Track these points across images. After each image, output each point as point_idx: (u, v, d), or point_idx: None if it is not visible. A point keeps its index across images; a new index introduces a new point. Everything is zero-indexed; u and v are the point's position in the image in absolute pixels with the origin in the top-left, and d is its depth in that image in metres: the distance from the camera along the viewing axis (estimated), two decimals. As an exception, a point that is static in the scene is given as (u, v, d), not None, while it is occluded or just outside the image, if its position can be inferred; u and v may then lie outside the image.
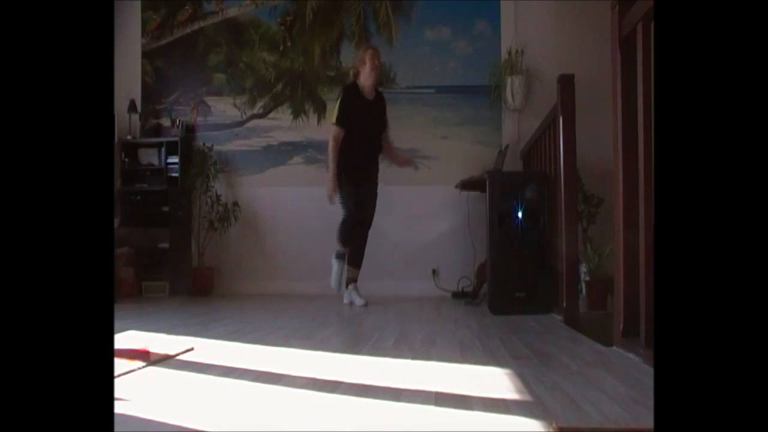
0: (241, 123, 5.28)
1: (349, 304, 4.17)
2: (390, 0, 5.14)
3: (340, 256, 4.21)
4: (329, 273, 4.22)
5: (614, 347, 2.35)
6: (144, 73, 5.36)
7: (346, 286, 4.22)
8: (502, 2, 5.04)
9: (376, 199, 4.27)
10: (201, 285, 4.94)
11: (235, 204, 5.04)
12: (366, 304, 4.08)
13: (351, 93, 4.17)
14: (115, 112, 4.98)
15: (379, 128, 4.26)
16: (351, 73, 4.32)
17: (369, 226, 4.25)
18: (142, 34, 5.37)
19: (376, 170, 4.30)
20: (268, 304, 4.28)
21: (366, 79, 4.15)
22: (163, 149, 5.07)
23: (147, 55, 5.37)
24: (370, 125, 4.18)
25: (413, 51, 5.13)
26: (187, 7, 5.34)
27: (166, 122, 5.27)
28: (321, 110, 5.20)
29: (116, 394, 1.61)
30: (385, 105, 4.32)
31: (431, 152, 5.07)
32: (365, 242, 4.26)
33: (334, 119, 4.14)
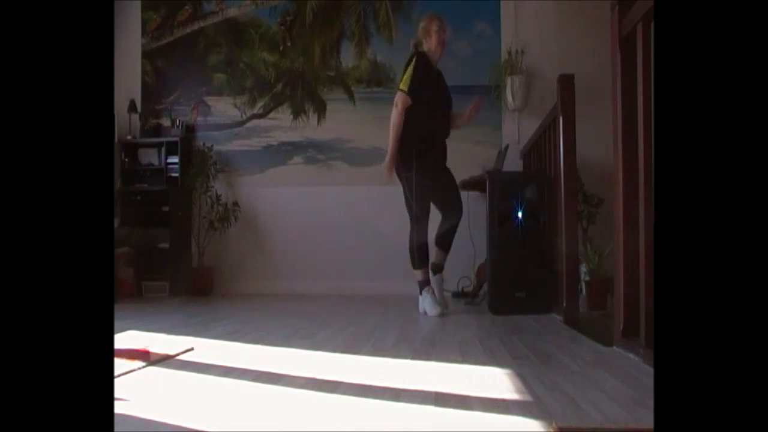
0: (241, 123, 5.27)
1: (438, 293, 3.66)
2: (390, 0, 5.14)
3: (423, 284, 3.65)
4: (420, 304, 3.71)
5: (614, 347, 2.35)
6: (144, 73, 5.36)
7: (434, 274, 3.71)
8: (502, 2, 5.04)
9: (460, 196, 3.76)
10: (201, 285, 4.94)
11: (235, 204, 5.04)
12: (442, 313, 3.53)
13: (423, 60, 3.64)
14: (115, 112, 4.98)
15: (449, 108, 3.78)
16: (412, 44, 3.81)
17: (456, 225, 3.73)
18: (142, 34, 5.37)
19: (445, 157, 3.78)
20: (268, 304, 4.28)
21: (435, 50, 3.69)
22: (163, 149, 5.07)
23: (147, 55, 5.37)
24: (442, 100, 3.73)
25: (413, 51, 5.12)
26: (187, 7, 5.34)
27: (166, 122, 5.27)
28: (321, 110, 5.20)
29: (116, 394, 1.61)
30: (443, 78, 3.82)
31: (431, 152, 5.06)
32: (455, 231, 3.74)
33: (405, 86, 3.58)
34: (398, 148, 3.59)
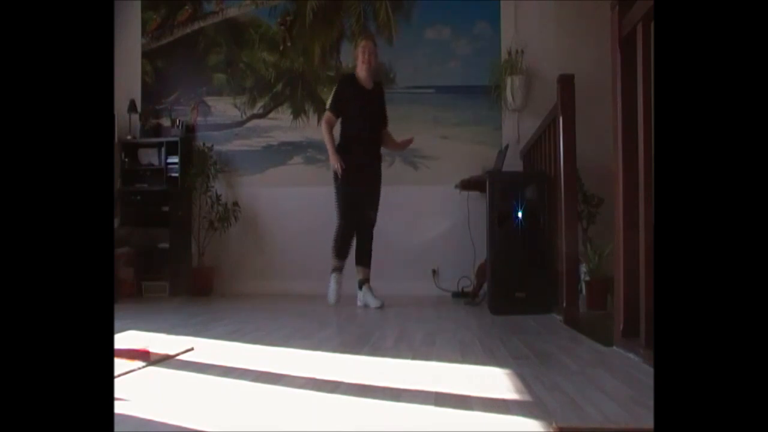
0: (241, 123, 5.28)
1: (363, 306, 4.05)
2: (390, 0, 5.14)
3: (335, 270, 4.14)
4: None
5: (614, 347, 2.35)
6: (144, 73, 5.36)
7: (360, 288, 4.11)
8: (502, 2, 5.05)
9: (378, 201, 4.17)
10: (201, 285, 4.94)
11: (235, 204, 5.05)
12: (382, 306, 3.96)
13: (346, 81, 4.21)
14: (115, 112, 4.98)
15: (377, 120, 4.20)
16: (353, 65, 4.40)
17: (372, 225, 4.15)
18: (142, 34, 5.37)
19: (378, 169, 4.21)
20: (268, 304, 4.28)
21: (359, 71, 4.17)
22: (163, 149, 5.07)
23: (147, 55, 5.37)
24: (368, 115, 4.14)
25: (413, 51, 5.13)
26: (187, 7, 5.34)
27: (166, 122, 5.28)
28: (321, 110, 5.19)
29: (116, 394, 1.61)
30: (383, 98, 4.26)
31: (431, 152, 5.07)
32: (371, 240, 4.16)
33: (328, 105, 4.24)
34: (334, 149, 4.10)
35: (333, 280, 4.13)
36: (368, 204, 4.13)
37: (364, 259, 4.14)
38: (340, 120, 4.15)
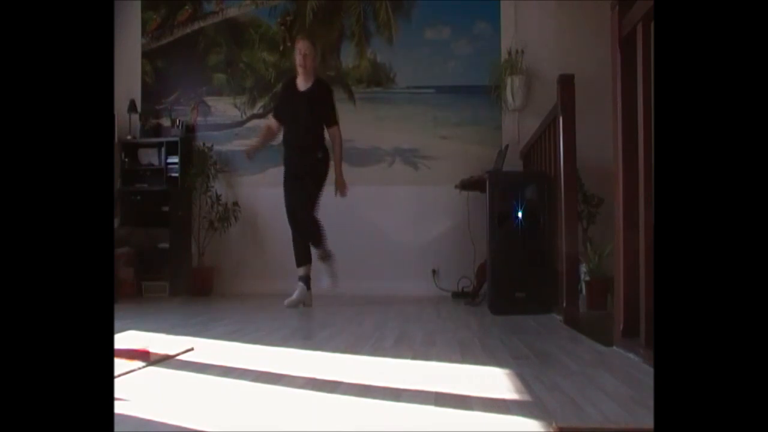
0: (241, 123, 5.28)
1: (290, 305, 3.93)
2: (390, 0, 5.14)
3: (301, 279, 4.02)
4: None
5: (614, 347, 2.35)
6: (144, 73, 5.36)
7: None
8: (502, 2, 5.05)
9: (304, 198, 3.96)
10: (201, 285, 4.94)
11: (235, 204, 5.04)
12: (293, 305, 3.87)
13: (283, 85, 4.20)
14: (115, 112, 4.97)
15: (309, 120, 3.99)
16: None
17: (297, 225, 4.00)
18: (142, 34, 5.37)
19: (312, 169, 3.97)
20: (268, 304, 4.28)
21: (298, 73, 4.06)
22: (163, 149, 5.07)
23: (147, 55, 5.37)
24: (301, 119, 3.98)
25: (413, 51, 5.13)
26: (187, 7, 5.34)
27: (166, 122, 5.28)
28: (321, 110, 5.20)
29: (116, 394, 1.61)
30: (322, 96, 4.03)
31: (431, 152, 5.07)
32: (305, 238, 4.03)
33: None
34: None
35: (298, 287, 4.01)
36: (293, 200, 4.00)
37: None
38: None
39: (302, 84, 4.04)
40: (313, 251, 4.06)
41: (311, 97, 4.00)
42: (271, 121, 4.19)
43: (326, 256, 4.06)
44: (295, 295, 3.96)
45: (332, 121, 4.05)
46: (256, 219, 5.18)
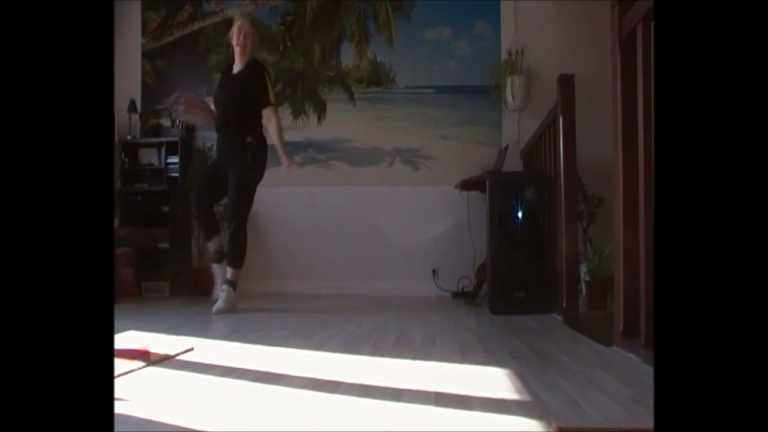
0: (241, 123, 5.26)
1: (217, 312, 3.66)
2: (390, 0, 5.14)
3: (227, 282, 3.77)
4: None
5: (614, 347, 2.35)
6: (144, 73, 5.37)
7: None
8: (502, 2, 5.05)
9: (239, 187, 3.71)
10: (201, 285, 4.93)
11: (235, 204, 5.03)
12: (218, 312, 3.63)
13: (223, 68, 3.98)
14: (115, 112, 4.98)
15: (240, 102, 3.73)
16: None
17: (235, 217, 3.75)
18: (142, 34, 5.37)
19: (243, 155, 3.71)
20: (268, 304, 4.28)
21: (234, 54, 3.84)
22: (163, 149, 5.07)
23: (147, 55, 5.37)
24: (227, 103, 3.77)
25: (413, 51, 5.13)
26: (187, 7, 5.34)
27: (166, 122, 5.27)
28: (321, 110, 5.21)
29: (116, 394, 1.61)
30: (254, 76, 3.73)
31: (431, 152, 5.07)
32: (239, 236, 3.77)
33: None
34: None
35: (223, 291, 3.76)
36: (230, 191, 3.77)
37: (231, 258, 3.82)
38: None
39: (237, 66, 3.81)
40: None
41: (244, 78, 3.75)
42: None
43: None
44: (221, 302, 3.70)
45: (265, 101, 3.73)
46: (256, 219, 5.17)
